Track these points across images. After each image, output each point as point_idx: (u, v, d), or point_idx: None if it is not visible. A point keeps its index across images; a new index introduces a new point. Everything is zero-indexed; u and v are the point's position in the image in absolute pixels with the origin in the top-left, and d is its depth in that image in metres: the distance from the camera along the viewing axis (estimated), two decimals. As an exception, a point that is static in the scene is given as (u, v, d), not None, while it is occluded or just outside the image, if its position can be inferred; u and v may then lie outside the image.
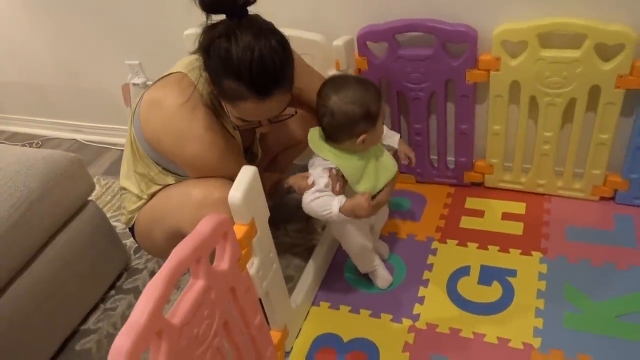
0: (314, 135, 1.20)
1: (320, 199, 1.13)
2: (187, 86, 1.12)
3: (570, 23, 1.26)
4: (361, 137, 1.12)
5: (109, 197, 1.97)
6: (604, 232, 1.44)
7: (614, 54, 1.27)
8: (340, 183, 1.16)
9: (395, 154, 1.31)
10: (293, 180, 1.22)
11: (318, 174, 1.16)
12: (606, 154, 1.44)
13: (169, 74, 1.19)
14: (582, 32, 1.26)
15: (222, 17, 1.02)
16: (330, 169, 1.15)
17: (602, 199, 1.53)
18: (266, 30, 1.01)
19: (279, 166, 1.57)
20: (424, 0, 1.40)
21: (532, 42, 1.31)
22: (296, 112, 1.15)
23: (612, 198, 1.52)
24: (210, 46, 1.01)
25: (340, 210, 1.12)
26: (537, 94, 1.40)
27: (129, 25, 1.89)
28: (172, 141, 1.12)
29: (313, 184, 1.15)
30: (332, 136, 1.16)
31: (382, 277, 1.40)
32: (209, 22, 1.03)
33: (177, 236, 1.14)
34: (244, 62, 0.97)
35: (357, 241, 1.31)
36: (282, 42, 1.02)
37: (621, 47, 1.25)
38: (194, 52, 1.07)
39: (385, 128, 1.27)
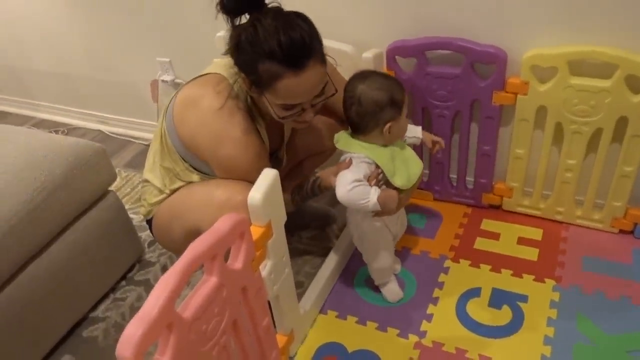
0: (341, 136, 1.24)
1: (358, 188, 1.14)
2: (225, 88, 1.14)
3: (601, 52, 1.25)
4: (387, 125, 1.16)
5: (129, 189, 2.00)
6: (622, 265, 1.42)
7: (644, 86, 1.26)
8: (377, 179, 1.19)
9: (419, 148, 1.34)
10: (323, 173, 1.23)
11: (356, 165, 1.18)
12: (629, 186, 1.42)
13: (207, 74, 1.20)
14: (613, 62, 1.25)
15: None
16: (370, 164, 1.18)
17: (622, 231, 1.51)
18: (287, 12, 1.06)
19: (301, 173, 1.58)
20: (456, 19, 1.41)
21: (562, 69, 1.31)
22: (336, 91, 1.17)
23: (632, 232, 1.50)
24: (238, 41, 1.05)
25: (378, 198, 1.14)
26: (563, 121, 1.39)
27: (163, 23, 1.93)
28: (209, 141, 1.14)
29: (350, 162, 1.18)
30: (360, 126, 1.18)
31: (393, 291, 1.40)
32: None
33: (195, 234, 1.15)
34: (272, 39, 1.02)
35: (384, 238, 1.32)
36: (305, 18, 1.07)
37: (652, 80, 1.24)
38: (225, 53, 1.10)
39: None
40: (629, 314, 1.29)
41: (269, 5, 1.06)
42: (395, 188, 1.20)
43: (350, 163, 1.19)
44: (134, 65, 2.15)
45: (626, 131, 1.33)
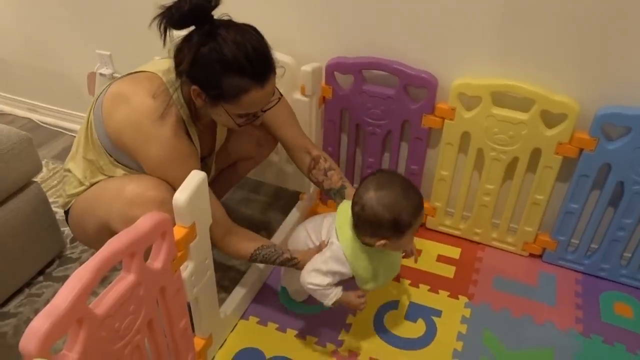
0: (345, 209, 1.19)
1: (318, 292, 1.18)
2: (161, 91, 1.12)
3: (521, 87, 1.35)
4: (382, 242, 1.12)
5: (55, 182, 1.94)
6: (528, 286, 1.52)
7: (557, 122, 1.37)
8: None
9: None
10: (304, 256, 1.26)
11: (326, 266, 1.17)
12: (540, 213, 1.52)
13: (144, 72, 1.19)
14: (531, 98, 1.35)
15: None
16: (342, 274, 1.18)
17: (531, 255, 1.62)
18: (241, 25, 1.08)
19: (236, 175, 1.59)
20: (394, 43, 1.47)
21: (485, 99, 1.40)
22: (281, 96, 1.21)
23: (540, 255, 1.61)
24: (195, 58, 1.04)
25: (333, 303, 1.19)
26: (484, 148, 1.48)
27: (105, 15, 1.89)
28: (136, 138, 1.11)
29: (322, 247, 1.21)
30: (357, 227, 1.15)
31: (298, 291, 1.43)
32: (168, 43, 1.06)
33: (105, 229, 1.13)
34: (240, 55, 1.04)
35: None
36: (257, 31, 1.10)
37: (564, 117, 1.34)
38: (177, 76, 1.11)
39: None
40: (529, 331, 1.38)
41: (218, 17, 1.06)
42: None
43: (323, 248, 1.21)
44: (72, 55, 2.09)
45: (539, 162, 1.43)
